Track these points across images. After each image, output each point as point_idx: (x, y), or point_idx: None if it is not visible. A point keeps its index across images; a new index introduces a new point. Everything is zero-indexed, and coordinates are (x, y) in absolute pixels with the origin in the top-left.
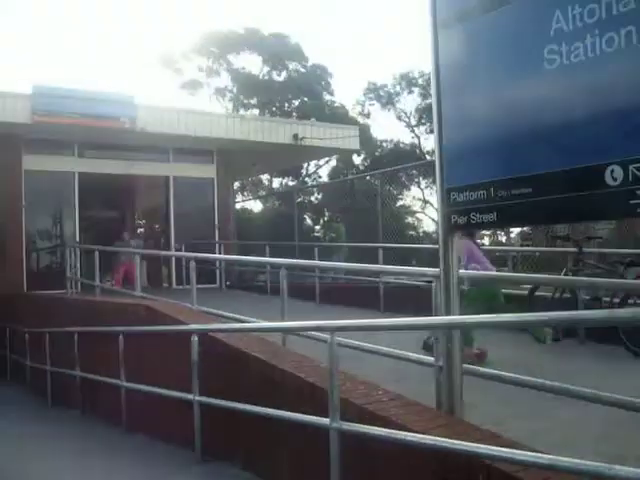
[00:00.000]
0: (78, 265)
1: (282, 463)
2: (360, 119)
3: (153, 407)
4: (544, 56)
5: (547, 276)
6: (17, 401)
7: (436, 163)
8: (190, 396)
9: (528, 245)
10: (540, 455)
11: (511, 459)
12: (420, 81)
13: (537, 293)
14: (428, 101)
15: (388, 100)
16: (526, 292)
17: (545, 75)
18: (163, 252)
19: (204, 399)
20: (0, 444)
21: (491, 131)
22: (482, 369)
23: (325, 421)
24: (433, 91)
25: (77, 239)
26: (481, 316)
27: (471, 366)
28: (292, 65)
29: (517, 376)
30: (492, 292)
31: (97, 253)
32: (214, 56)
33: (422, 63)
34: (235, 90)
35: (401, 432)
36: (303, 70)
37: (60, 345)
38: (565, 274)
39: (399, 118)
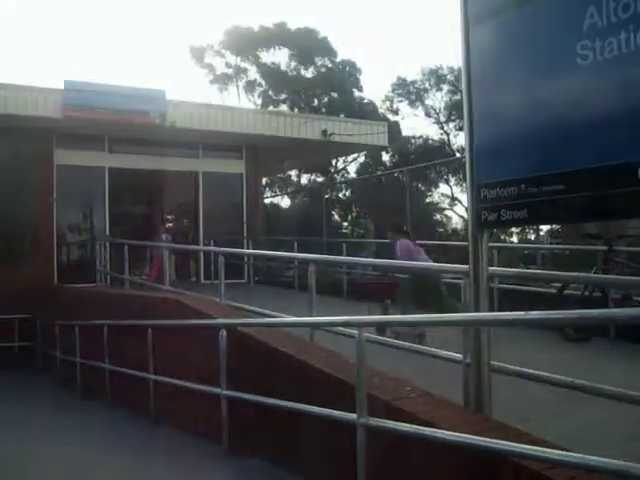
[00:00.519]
0: (108, 259)
1: (309, 457)
2: (389, 115)
3: (181, 400)
4: (577, 52)
5: (576, 274)
6: (47, 392)
7: (466, 159)
8: (217, 390)
9: (557, 243)
10: (568, 453)
11: (539, 457)
12: (449, 77)
13: (566, 291)
14: (457, 97)
15: (417, 96)
16: (555, 290)
17: (578, 71)
18: (192, 247)
19: (231, 393)
20: (30, 433)
21: (522, 127)
22: (511, 367)
23: (352, 416)
24: (464, 87)
25: (107, 233)
26: (510, 313)
27: (500, 364)
28: (321, 61)
29: (544, 374)
30: (426, 284)
31: (126, 247)
32: (243, 52)
33: (451, 59)
34: (264, 86)
35: (428, 428)
36: (331, 65)
37: (89, 337)
38: (595, 272)
39: (428, 115)
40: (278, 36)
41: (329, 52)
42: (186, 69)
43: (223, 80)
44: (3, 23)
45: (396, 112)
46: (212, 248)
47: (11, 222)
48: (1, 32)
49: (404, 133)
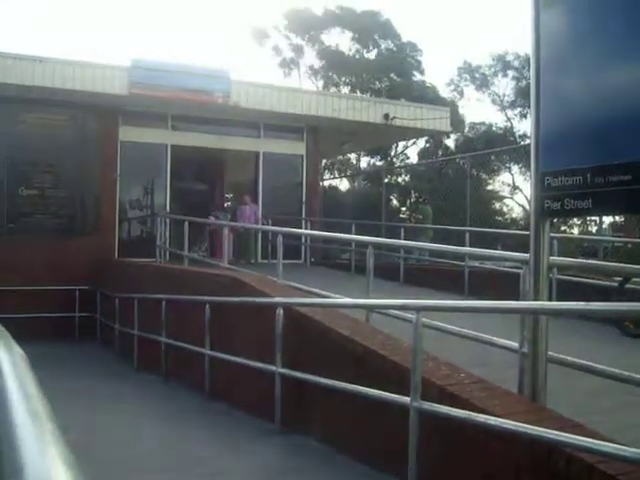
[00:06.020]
0: (167, 235)
1: (360, 438)
2: (452, 100)
3: (235, 376)
4: None
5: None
6: (104, 362)
7: (532, 146)
8: (272, 368)
9: (620, 237)
10: (625, 448)
11: (594, 449)
12: (516, 63)
13: (628, 286)
14: (523, 84)
15: (482, 82)
16: (616, 284)
17: None
18: (250, 225)
19: (286, 371)
20: (84, 401)
21: (591, 115)
22: (568, 358)
23: (405, 399)
24: (532, 73)
25: (167, 209)
26: (571, 303)
27: (556, 354)
28: (384, 43)
29: (601, 367)
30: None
31: (186, 224)
32: (305, 33)
33: (517, 44)
34: (326, 68)
35: (481, 415)
36: (394, 48)
37: (147, 311)
38: None
39: (493, 101)
40: (343, 19)
41: (392, 34)
42: (246, 50)
43: (284, 62)
44: (72, 2)
45: (460, 96)
46: (271, 227)
47: (76, 198)
48: (70, 10)
49: (467, 119)
